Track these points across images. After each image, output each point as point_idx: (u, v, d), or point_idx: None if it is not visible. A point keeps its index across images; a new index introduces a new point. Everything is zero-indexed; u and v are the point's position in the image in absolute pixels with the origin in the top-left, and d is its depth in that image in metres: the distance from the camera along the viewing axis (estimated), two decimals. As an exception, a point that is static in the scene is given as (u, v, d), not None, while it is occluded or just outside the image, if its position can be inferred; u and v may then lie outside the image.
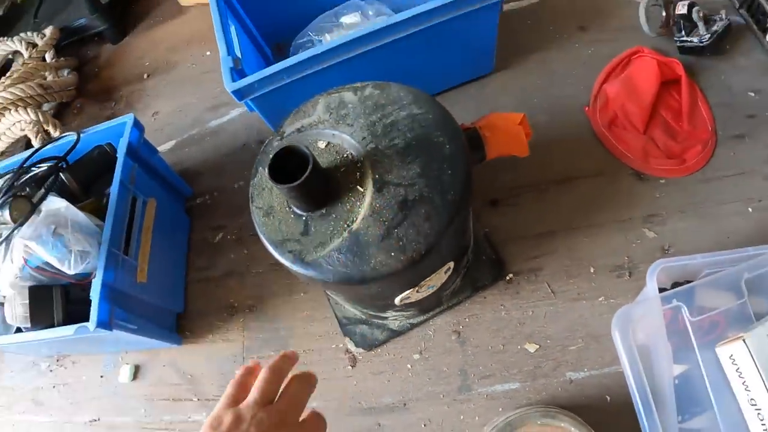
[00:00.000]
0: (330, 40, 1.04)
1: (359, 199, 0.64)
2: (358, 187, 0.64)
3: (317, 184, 0.61)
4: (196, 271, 1.05)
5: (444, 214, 0.62)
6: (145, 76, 1.43)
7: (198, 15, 1.50)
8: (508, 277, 0.91)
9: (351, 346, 0.92)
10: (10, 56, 1.50)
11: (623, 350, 0.71)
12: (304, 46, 1.09)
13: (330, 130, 0.69)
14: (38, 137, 1.27)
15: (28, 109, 1.28)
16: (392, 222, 0.62)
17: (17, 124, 1.27)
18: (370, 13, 1.06)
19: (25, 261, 0.81)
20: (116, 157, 0.92)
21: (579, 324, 0.86)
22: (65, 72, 1.48)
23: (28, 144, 1.32)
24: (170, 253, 1.03)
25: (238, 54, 0.94)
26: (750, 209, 0.91)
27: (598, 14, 1.16)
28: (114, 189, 0.87)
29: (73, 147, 0.94)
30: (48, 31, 1.48)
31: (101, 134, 0.99)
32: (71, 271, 0.77)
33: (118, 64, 1.49)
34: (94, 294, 0.78)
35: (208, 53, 1.39)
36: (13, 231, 0.79)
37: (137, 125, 0.96)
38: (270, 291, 0.99)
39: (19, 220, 0.79)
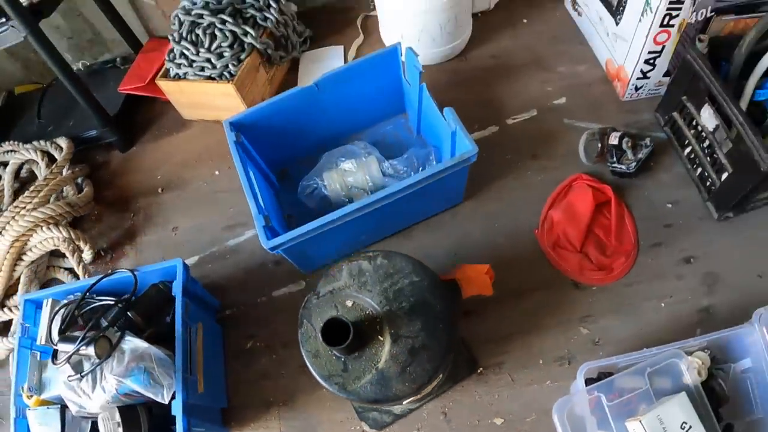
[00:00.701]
0: (331, 183, 1.34)
1: (381, 346, 0.94)
2: (379, 336, 0.94)
3: (353, 341, 0.90)
4: (235, 373, 1.32)
5: (439, 356, 0.93)
6: (160, 190, 1.66)
7: (202, 130, 1.74)
8: (479, 371, 1.22)
9: (366, 428, 1.21)
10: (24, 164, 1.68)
11: (560, 428, 1.03)
12: (310, 187, 1.39)
13: (355, 293, 0.99)
14: (74, 255, 1.50)
15: (60, 227, 1.49)
16: (405, 363, 0.92)
17: (49, 240, 1.49)
18: (364, 159, 1.36)
19: (116, 390, 1.07)
20: (171, 294, 1.18)
21: (533, 402, 1.17)
22: (80, 180, 1.67)
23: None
24: (213, 361, 1.29)
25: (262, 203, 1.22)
26: (663, 305, 1.24)
27: (546, 141, 1.49)
28: (178, 327, 1.13)
29: (134, 290, 1.19)
30: (64, 144, 1.67)
31: (152, 274, 1.23)
32: (165, 401, 1.04)
33: (131, 174, 1.71)
34: (177, 412, 1.05)
35: (216, 173, 1.65)
36: (96, 367, 1.04)
37: (186, 268, 1.23)
38: (299, 388, 1.27)
39: (103, 357, 1.04)
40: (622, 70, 1.49)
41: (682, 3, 1.24)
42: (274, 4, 1.58)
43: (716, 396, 1.02)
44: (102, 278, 1.23)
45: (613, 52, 1.52)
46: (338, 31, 1.79)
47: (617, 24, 1.45)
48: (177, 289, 1.18)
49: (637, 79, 1.47)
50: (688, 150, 1.40)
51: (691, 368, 0.98)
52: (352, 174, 1.34)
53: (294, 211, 1.47)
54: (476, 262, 1.08)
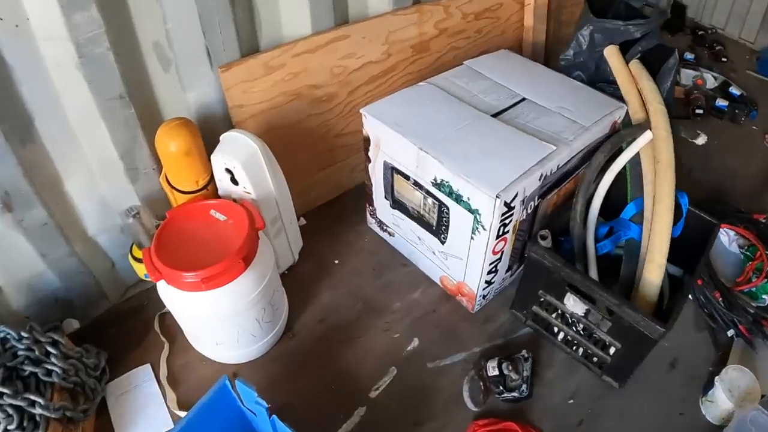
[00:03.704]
0: None
1: None
2: None
3: None
4: None
5: None
6: None
7: None
8: None
9: None
10: None
11: None
12: None
13: None
14: None
15: None
16: None
17: None
18: None
19: None
20: None
21: None
22: None
23: None
24: None
25: None
26: None
27: (422, 399, 1.26)
28: None
29: None
30: None
31: None
32: None
33: None
34: None
35: None
36: None
37: None
38: None
39: None
40: (465, 286, 1.38)
41: (513, 209, 1.18)
42: (53, 350, 1.12)
43: None
44: None
45: (446, 269, 1.41)
46: (136, 341, 1.36)
47: (443, 243, 1.34)
48: None
49: (483, 289, 1.36)
50: (561, 336, 1.33)
51: None
52: None
53: None
54: None
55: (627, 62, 1.64)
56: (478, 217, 1.19)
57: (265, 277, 1.17)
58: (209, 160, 1.25)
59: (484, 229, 1.20)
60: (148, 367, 1.31)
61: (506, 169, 1.18)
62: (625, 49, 1.66)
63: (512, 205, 1.18)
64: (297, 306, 1.42)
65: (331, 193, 1.73)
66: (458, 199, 1.21)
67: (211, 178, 1.28)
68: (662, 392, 1.28)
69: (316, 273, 1.52)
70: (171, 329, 1.36)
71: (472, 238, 1.25)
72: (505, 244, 1.28)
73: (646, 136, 1.40)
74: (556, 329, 1.33)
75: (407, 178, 1.32)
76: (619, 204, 1.38)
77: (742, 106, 2.11)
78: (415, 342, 1.37)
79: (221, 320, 1.15)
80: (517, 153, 1.24)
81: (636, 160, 1.42)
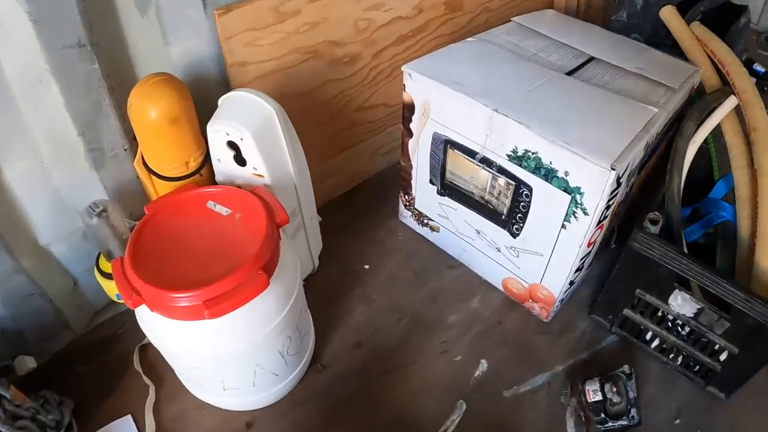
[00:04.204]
0: None
1: None
2: None
3: None
4: None
5: None
6: None
7: None
8: None
9: None
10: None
11: None
12: None
13: None
14: None
15: None
16: None
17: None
18: None
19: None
20: None
21: None
22: None
23: None
24: None
25: None
26: None
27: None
28: None
29: None
30: None
31: None
32: None
33: None
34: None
35: None
36: None
37: None
38: None
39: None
40: (541, 289, 1.07)
41: (620, 185, 0.87)
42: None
43: None
44: None
45: (515, 269, 1.09)
46: (111, 383, 1.01)
47: (516, 236, 1.02)
48: None
49: (564, 292, 1.05)
50: (655, 343, 1.05)
51: None
52: None
53: None
54: None
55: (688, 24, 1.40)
56: (578, 197, 0.87)
57: (292, 293, 0.84)
58: (203, 134, 0.90)
59: (585, 214, 0.88)
60: (128, 419, 0.96)
61: (612, 136, 0.88)
62: (684, 10, 1.42)
63: (621, 180, 0.87)
64: (324, 327, 1.09)
65: (350, 182, 1.40)
66: (549, 175, 0.89)
67: (206, 159, 0.93)
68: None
69: (343, 282, 1.18)
70: (157, 365, 1.02)
71: (563, 226, 0.93)
72: (600, 232, 0.97)
73: (731, 101, 1.15)
74: (649, 335, 1.05)
75: (470, 153, 1.00)
76: (694, 183, 1.10)
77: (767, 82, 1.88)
78: (484, 365, 1.05)
79: (233, 359, 0.81)
80: (616, 117, 0.94)
81: (717, 131, 1.16)
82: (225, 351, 0.80)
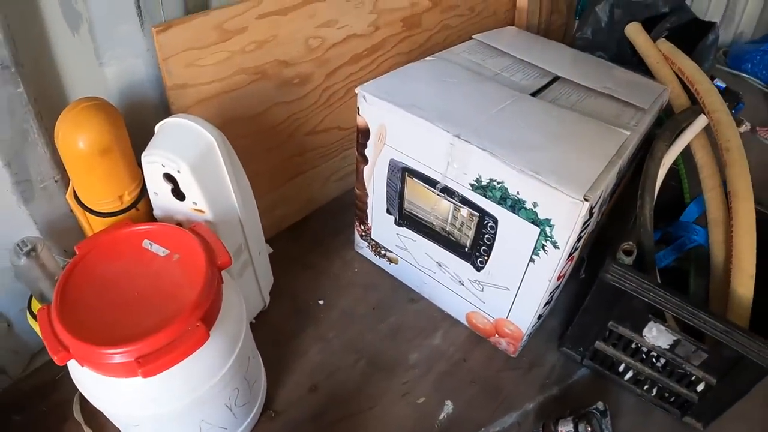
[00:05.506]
0: None
1: None
2: None
3: None
4: None
5: None
6: None
7: None
8: None
9: None
10: None
11: None
12: None
13: None
14: None
15: None
16: None
17: None
18: None
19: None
20: None
21: None
22: None
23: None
24: None
25: None
26: None
27: None
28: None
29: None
30: None
31: None
32: None
33: None
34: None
35: None
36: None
37: None
38: None
39: None
40: (508, 324, 1.01)
41: (592, 216, 0.82)
42: None
43: None
44: None
45: (479, 304, 1.03)
46: None
47: (480, 269, 0.97)
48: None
49: (532, 327, 0.99)
50: (629, 375, 1.01)
51: None
52: None
53: None
54: None
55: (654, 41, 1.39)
56: (547, 230, 0.82)
57: (238, 341, 0.75)
58: (139, 164, 0.81)
59: (556, 247, 0.83)
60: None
61: (583, 163, 0.84)
62: (650, 26, 1.42)
63: (593, 211, 0.82)
64: (276, 370, 1.00)
65: (302, 211, 1.32)
66: (516, 206, 0.84)
67: (143, 192, 0.84)
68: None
69: (296, 320, 1.10)
70: (99, 414, 0.89)
71: (531, 260, 0.88)
72: (570, 264, 0.93)
73: (701, 120, 1.13)
74: (622, 367, 1.01)
75: (430, 182, 0.94)
76: (664, 205, 1.07)
77: (728, 98, 1.91)
78: (449, 406, 0.99)
79: (174, 418, 0.72)
80: (587, 141, 0.90)
81: (686, 151, 1.15)
82: (164, 410, 0.70)
